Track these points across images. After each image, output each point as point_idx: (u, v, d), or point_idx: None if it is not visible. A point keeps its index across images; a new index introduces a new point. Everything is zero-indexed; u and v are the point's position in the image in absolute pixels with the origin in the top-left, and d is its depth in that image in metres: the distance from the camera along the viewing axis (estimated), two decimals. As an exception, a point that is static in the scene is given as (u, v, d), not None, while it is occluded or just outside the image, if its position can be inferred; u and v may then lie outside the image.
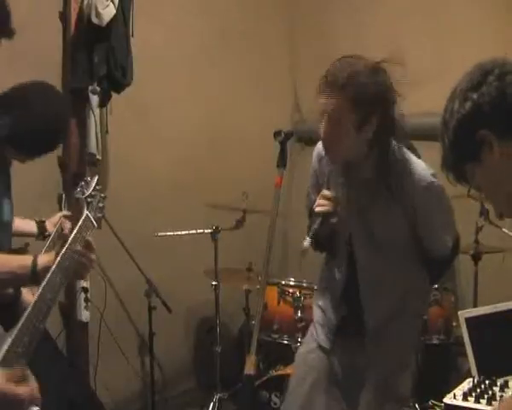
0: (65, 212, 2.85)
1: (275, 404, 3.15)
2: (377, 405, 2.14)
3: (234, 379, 3.39)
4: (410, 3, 4.30)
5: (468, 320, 2.05)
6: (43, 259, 1.65)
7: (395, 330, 2.20)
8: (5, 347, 1.33)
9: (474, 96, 1.25)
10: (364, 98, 1.94)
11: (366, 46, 4.39)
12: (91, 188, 1.81)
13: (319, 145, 2.21)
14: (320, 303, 2.35)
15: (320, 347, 2.28)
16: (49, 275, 1.51)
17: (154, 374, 3.68)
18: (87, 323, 3.43)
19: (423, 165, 2.11)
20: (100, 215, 1.77)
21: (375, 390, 2.15)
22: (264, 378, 3.21)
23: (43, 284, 1.49)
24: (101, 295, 3.44)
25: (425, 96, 3.90)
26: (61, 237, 2.76)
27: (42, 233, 2.72)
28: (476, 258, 3.54)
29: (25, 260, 1.66)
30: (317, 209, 2.06)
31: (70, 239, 1.61)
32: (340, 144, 2.04)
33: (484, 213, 3.30)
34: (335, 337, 2.24)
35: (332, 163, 2.17)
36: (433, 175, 2.07)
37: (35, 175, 3.08)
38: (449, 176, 1.33)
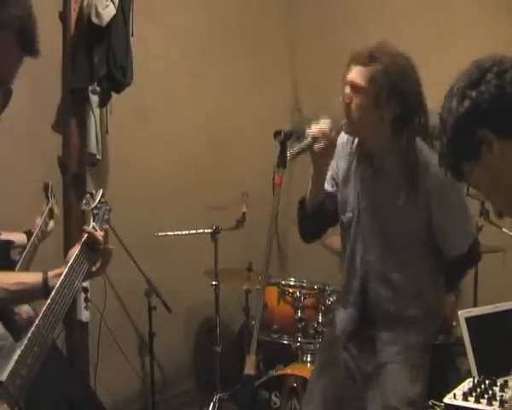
0: (49, 205, 2.82)
1: (275, 404, 3.15)
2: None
3: (234, 379, 3.39)
4: (410, 4, 4.30)
5: (468, 320, 2.05)
6: (53, 272, 1.64)
7: (402, 336, 2.21)
8: (15, 357, 1.32)
9: (473, 94, 1.24)
10: (387, 77, 2.03)
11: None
12: (97, 200, 1.81)
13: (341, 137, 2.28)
14: (342, 301, 2.41)
15: (341, 341, 2.33)
16: (57, 286, 1.51)
17: (154, 374, 3.68)
18: (87, 323, 3.43)
19: None
20: (106, 227, 1.78)
21: (382, 394, 2.17)
22: (264, 378, 3.21)
23: (52, 295, 1.48)
24: (101, 295, 3.44)
25: (425, 96, 3.90)
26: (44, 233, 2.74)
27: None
28: (476, 258, 3.53)
29: (35, 274, 1.66)
30: (310, 131, 2.15)
31: (77, 252, 1.61)
32: (358, 111, 2.09)
33: (484, 213, 3.30)
34: (349, 340, 2.29)
35: (347, 132, 2.20)
36: None
37: (35, 175, 3.09)
38: (447, 174, 1.32)
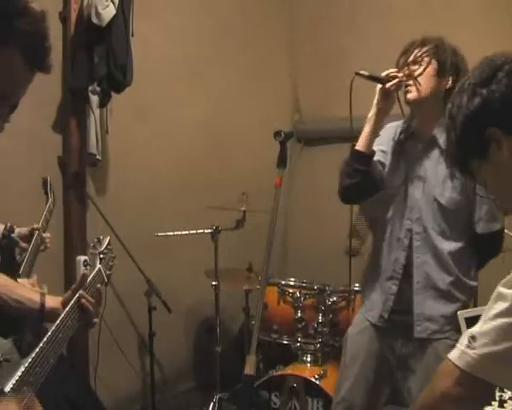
0: (49, 202, 2.81)
1: (275, 404, 3.16)
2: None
3: (234, 379, 3.39)
4: (411, 4, 4.30)
5: (468, 320, 2.05)
6: (51, 301, 1.69)
7: (441, 312, 2.32)
8: (18, 373, 1.38)
9: (484, 91, 1.23)
10: (447, 55, 2.32)
11: (367, 46, 4.40)
12: (104, 246, 1.91)
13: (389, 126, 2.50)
14: (373, 283, 2.48)
15: (372, 325, 2.43)
16: (62, 315, 1.57)
17: (154, 374, 3.68)
18: (87, 323, 3.43)
19: None
20: (109, 273, 1.89)
21: (425, 371, 2.23)
22: (264, 378, 3.22)
23: (57, 323, 1.54)
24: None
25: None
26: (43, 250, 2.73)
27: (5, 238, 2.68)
28: (476, 258, 3.53)
29: (33, 295, 1.69)
30: (387, 71, 2.32)
31: (74, 300, 1.67)
32: (425, 82, 2.30)
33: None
34: (388, 318, 2.38)
35: (410, 97, 2.33)
36: None
37: (35, 175, 3.09)
38: (454, 170, 1.32)
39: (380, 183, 2.40)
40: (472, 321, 2.03)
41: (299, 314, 3.39)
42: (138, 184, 3.78)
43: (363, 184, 2.40)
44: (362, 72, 2.30)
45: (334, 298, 3.34)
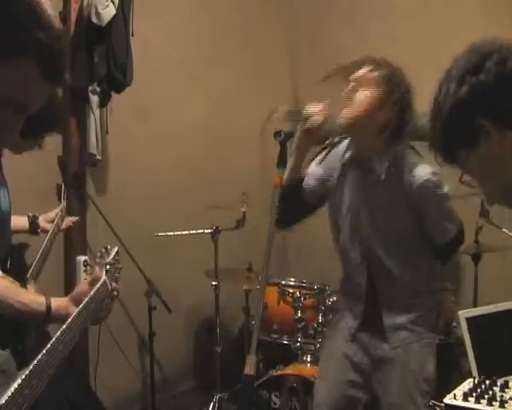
0: (61, 206, 2.84)
1: (275, 404, 3.15)
2: (406, 394, 2.29)
3: (234, 379, 3.38)
4: (410, 4, 4.30)
5: (468, 320, 2.04)
6: (56, 303, 1.68)
7: (411, 324, 2.36)
8: (15, 385, 1.35)
9: (473, 80, 1.19)
10: (392, 82, 2.19)
11: (366, 45, 4.40)
12: (111, 256, 1.87)
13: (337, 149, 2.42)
14: (345, 300, 2.53)
15: (344, 339, 2.43)
16: (63, 327, 1.54)
17: (154, 374, 3.68)
18: (87, 323, 3.43)
19: (424, 166, 2.25)
20: (115, 286, 1.84)
21: (400, 382, 2.29)
22: (264, 378, 3.21)
23: (57, 335, 1.51)
24: (101, 295, 3.44)
25: (425, 96, 3.90)
26: (57, 233, 2.77)
27: (34, 229, 2.71)
28: (476, 258, 3.54)
29: (38, 297, 1.68)
30: (309, 107, 2.27)
31: (86, 300, 1.65)
32: (364, 108, 2.20)
33: (484, 213, 3.30)
34: (357, 331, 2.40)
35: (345, 126, 2.25)
36: (432, 173, 2.23)
37: (35, 175, 3.09)
38: (437, 158, 1.29)
39: (310, 208, 2.44)
40: (472, 321, 2.04)
41: (299, 314, 3.39)
42: (138, 184, 3.78)
43: (295, 209, 2.40)
44: (288, 110, 2.20)
45: (334, 298, 3.33)
